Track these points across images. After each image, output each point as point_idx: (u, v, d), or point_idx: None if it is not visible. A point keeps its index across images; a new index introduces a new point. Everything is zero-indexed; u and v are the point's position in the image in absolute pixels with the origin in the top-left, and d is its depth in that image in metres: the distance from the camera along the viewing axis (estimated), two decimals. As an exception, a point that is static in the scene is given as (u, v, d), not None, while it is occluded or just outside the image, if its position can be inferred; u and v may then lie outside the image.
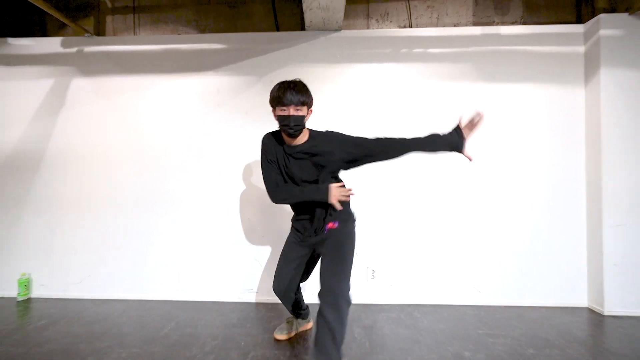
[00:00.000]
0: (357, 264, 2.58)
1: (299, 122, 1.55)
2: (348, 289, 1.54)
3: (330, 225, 1.63)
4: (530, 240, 2.59)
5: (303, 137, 1.63)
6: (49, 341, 1.96)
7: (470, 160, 1.61)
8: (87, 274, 2.75)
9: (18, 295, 2.68)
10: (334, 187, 1.56)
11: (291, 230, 1.85)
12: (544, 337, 2.04)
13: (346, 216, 1.69)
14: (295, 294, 1.89)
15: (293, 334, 2.01)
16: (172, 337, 2.02)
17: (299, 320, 2.07)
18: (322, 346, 1.43)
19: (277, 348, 1.88)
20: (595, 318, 2.34)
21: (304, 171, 1.63)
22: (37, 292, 2.75)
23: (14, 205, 2.79)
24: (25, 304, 2.60)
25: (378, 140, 1.61)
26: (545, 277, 2.57)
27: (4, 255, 2.77)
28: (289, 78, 1.66)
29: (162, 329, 2.13)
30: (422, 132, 1.63)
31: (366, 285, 2.62)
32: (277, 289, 1.82)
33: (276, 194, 1.65)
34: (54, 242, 2.77)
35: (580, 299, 2.54)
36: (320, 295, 1.51)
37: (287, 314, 2.19)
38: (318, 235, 1.68)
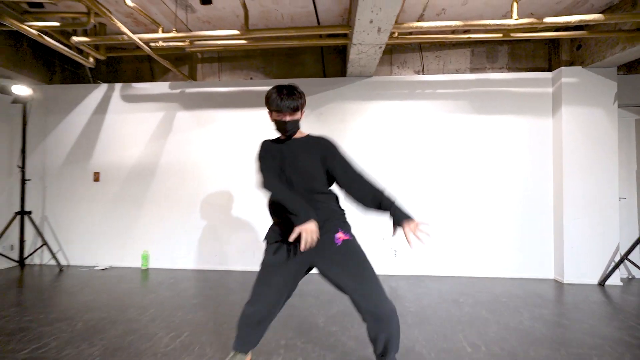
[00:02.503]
0: (383, 247, 3.58)
1: (294, 126, 1.57)
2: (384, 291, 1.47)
3: (342, 236, 1.51)
4: (512, 230, 3.54)
5: (299, 135, 1.65)
6: (153, 301, 3.03)
7: (409, 244, 1.55)
8: (188, 251, 3.84)
9: (142, 266, 3.79)
10: (311, 226, 1.38)
11: (272, 246, 1.59)
12: (517, 294, 2.99)
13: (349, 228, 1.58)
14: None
15: None
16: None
17: (241, 356, 1.65)
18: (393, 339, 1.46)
19: None
20: (558, 285, 3.27)
21: (305, 159, 1.56)
22: (153, 264, 3.86)
23: (135, 202, 3.91)
24: (146, 273, 3.69)
25: (359, 174, 1.55)
26: (523, 256, 3.51)
27: (131, 238, 3.89)
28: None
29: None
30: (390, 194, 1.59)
31: (391, 261, 3.61)
32: (260, 315, 1.57)
33: (268, 184, 1.51)
34: (163, 228, 3.87)
35: (547, 273, 3.48)
36: (375, 311, 1.42)
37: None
38: (324, 247, 1.49)
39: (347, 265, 1.47)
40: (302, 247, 1.37)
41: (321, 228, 1.47)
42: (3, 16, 2.47)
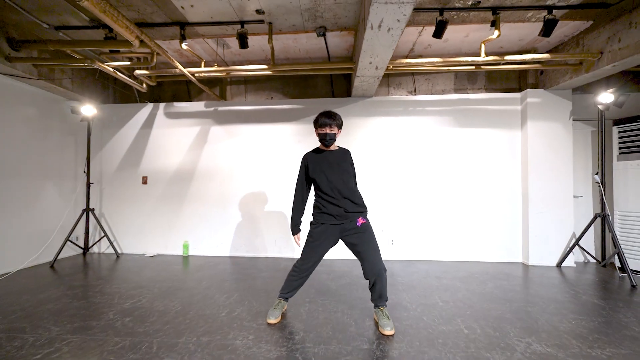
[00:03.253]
0: (382, 237, 4.36)
1: (332, 137, 2.33)
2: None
3: (361, 220, 2.32)
4: (488, 222, 4.31)
5: (334, 148, 2.43)
6: (202, 277, 3.84)
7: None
8: (220, 241, 4.65)
9: (183, 254, 4.61)
10: (296, 237, 2.47)
11: (315, 226, 2.39)
12: (488, 272, 3.76)
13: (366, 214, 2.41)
14: None
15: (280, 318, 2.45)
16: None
17: (283, 303, 2.49)
18: (384, 289, 2.33)
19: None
20: (524, 267, 4.03)
21: (334, 169, 2.34)
22: (192, 252, 4.68)
23: (177, 201, 4.73)
24: (187, 259, 4.49)
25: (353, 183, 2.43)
26: (497, 243, 4.28)
27: (173, 230, 4.71)
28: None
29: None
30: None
31: (388, 248, 4.40)
32: (306, 270, 2.39)
33: (296, 194, 2.45)
34: (200, 222, 4.68)
35: (517, 257, 4.24)
36: (374, 270, 2.27)
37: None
38: (352, 224, 2.31)
39: (363, 238, 2.31)
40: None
41: (350, 214, 2.32)
42: (94, 61, 3.31)
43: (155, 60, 3.54)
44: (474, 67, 3.77)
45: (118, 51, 3.50)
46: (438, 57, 4.18)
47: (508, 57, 3.45)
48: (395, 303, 2.78)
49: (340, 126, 2.39)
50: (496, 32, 3.17)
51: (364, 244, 2.30)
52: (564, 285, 3.30)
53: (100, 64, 3.40)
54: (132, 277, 3.54)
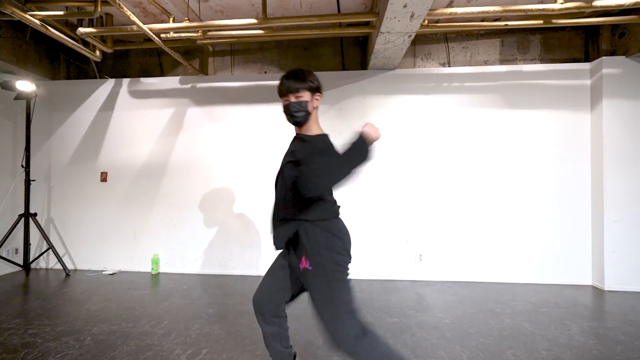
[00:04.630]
0: (408, 251, 3.36)
1: (299, 109, 1.41)
2: (345, 332, 1.27)
3: (304, 264, 1.36)
4: (546, 232, 3.30)
5: (310, 132, 1.47)
6: (166, 311, 2.84)
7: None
8: (199, 255, 3.65)
9: (152, 270, 3.61)
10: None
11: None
12: (557, 302, 2.76)
13: (321, 249, 1.34)
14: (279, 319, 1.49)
15: None
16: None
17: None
18: None
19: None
20: (598, 292, 3.03)
21: (283, 171, 1.50)
22: (163, 269, 3.67)
23: (144, 203, 3.72)
24: (156, 278, 3.50)
25: None
26: (558, 261, 3.28)
27: (140, 240, 3.70)
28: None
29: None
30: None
31: (416, 266, 3.40)
32: (253, 299, 1.50)
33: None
34: (174, 230, 3.68)
35: (585, 279, 3.24)
36: (328, 344, 1.36)
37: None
38: (294, 261, 1.43)
39: (310, 294, 1.40)
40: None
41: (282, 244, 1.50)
42: (4, 4, 2.27)
43: (99, 9, 2.52)
44: (541, 22, 2.75)
45: (43, -8, 2.46)
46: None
47: (598, 3, 2.42)
48: (450, 369, 1.79)
49: (314, 90, 1.44)
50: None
51: (310, 298, 1.38)
52: (680, 327, 2.31)
53: (16, 11, 2.37)
54: (69, 311, 2.54)
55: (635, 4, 2.37)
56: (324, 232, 1.35)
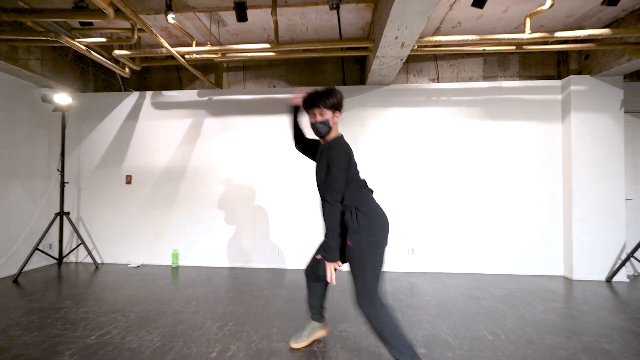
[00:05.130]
0: (402, 246, 3.79)
1: (323, 128, 1.76)
2: (369, 297, 1.63)
3: (348, 241, 1.71)
4: (524, 230, 3.74)
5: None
6: (192, 296, 3.26)
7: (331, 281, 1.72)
8: (215, 250, 4.06)
9: (172, 264, 4.02)
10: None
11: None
12: (530, 289, 3.19)
13: (360, 229, 1.66)
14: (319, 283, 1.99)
15: (307, 342, 2.04)
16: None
17: (314, 324, 2.06)
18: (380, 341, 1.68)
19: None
20: (567, 281, 3.46)
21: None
22: (182, 262, 4.09)
23: (165, 204, 4.14)
24: (176, 270, 3.91)
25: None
26: (534, 255, 3.71)
27: (161, 237, 4.12)
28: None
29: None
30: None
31: (408, 259, 3.82)
32: (305, 268, 2.02)
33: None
34: (192, 228, 4.10)
35: (557, 270, 3.67)
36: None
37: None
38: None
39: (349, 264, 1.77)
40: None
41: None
42: (60, 36, 2.71)
43: (136, 36, 2.97)
44: (514, 48, 3.20)
45: (91, 24, 2.91)
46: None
47: (559, 34, 2.87)
48: (432, 336, 2.21)
49: (335, 107, 1.76)
50: (549, 2, 2.60)
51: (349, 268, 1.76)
52: (632, 307, 2.73)
53: (69, 40, 2.81)
54: (108, 295, 2.95)
55: (589, 35, 2.82)
56: (360, 215, 1.66)
